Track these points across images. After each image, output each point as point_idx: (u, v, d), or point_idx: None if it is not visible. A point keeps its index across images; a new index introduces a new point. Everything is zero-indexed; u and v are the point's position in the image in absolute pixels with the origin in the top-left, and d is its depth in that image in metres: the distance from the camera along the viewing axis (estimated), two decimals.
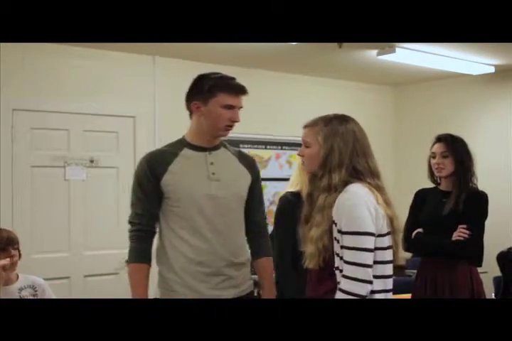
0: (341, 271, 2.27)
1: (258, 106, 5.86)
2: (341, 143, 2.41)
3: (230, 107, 2.73)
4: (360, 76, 6.52)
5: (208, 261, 2.69)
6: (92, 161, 5.07)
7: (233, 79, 2.79)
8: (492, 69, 6.04)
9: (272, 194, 5.89)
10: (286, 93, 6.17)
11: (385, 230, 2.34)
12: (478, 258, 3.55)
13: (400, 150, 7.10)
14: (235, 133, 5.68)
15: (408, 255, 5.62)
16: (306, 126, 2.51)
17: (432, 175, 3.69)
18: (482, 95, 6.50)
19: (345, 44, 5.02)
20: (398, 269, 5.95)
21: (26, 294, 3.42)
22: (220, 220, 2.73)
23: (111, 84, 5.19)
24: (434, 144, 3.66)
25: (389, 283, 2.38)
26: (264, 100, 5.93)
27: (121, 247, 5.14)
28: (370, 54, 5.44)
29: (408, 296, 3.88)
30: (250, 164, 2.92)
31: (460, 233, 3.45)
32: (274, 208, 5.82)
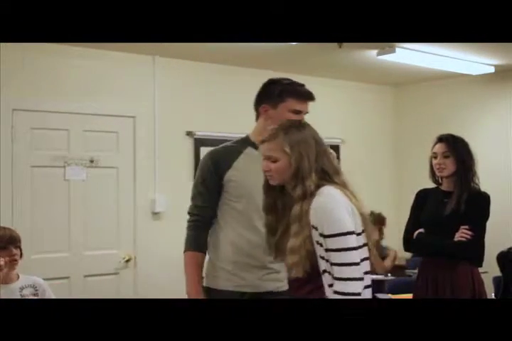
0: (330, 273, 2.29)
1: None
2: (307, 149, 2.40)
3: (298, 112, 2.84)
4: (360, 76, 6.52)
5: (257, 255, 2.80)
6: (92, 161, 5.07)
7: (302, 85, 2.91)
8: (492, 69, 6.04)
9: None
10: None
11: (360, 228, 2.37)
12: (479, 259, 3.55)
13: (400, 150, 7.09)
14: (233, 134, 5.71)
15: (408, 255, 5.63)
16: (264, 141, 2.48)
17: (433, 175, 3.69)
18: (482, 95, 6.50)
19: (345, 44, 5.02)
20: (398, 269, 5.97)
21: (27, 293, 3.43)
22: None
23: (111, 84, 5.20)
24: (435, 144, 3.65)
25: (369, 279, 2.39)
26: None
27: (121, 247, 5.19)
28: (370, 54, 5.44)
29: (409, 296, 3.88)
30: None
31: (462, 234, 3.45)
32: None
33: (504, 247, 4.91)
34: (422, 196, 3.72)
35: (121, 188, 5.19)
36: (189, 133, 5.55)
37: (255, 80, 6.22)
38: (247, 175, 2.84)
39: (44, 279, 3.60)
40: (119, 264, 5.12)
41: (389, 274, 5.37)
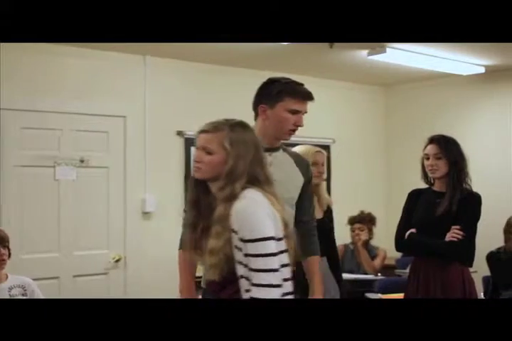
0: (247, 278, 2.24)
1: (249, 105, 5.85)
2: (246, 151, 2.35)
3: (296, 112, 2.83)
4: (351, 76, 6.52)
5: None
6: (82, 161, 5.05)
7: (301, 85, 2.89)
8: (482, 70, 6.06)
9: None
10: None
11: (281, 234, 2.32)
12: (470, 259, 3.56)
13: (391, 150, 7.10)
14: None
15: (397, 255, 5.64)
16: (206, 131, 2.40)
17: (425, 175, 3.70)
18: (472, 95, 6.52)
19: (336, 44, 5.02)
20: (388, 269, 5.97)
21: (16, 293, 3.41)
22: None
23: (101, 84, 5.18)
24: (426, 145, 3.66)
25: (291, 286, 2.32)
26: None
27: (111, 247, 5.17)
28: (361, 54, 5.45)
29: (399, 296, 3.89)
30: (305, 167, 3.02)
31: (453, 234, 3.46)
32: None
33: (493, 247, 4.93)
34: (414, 196, 3.72)
35: (111, 188, 5.18)
36: (179, 133, 5.55)
37: (246, 80, 6.23)
38: None
39: (33, 279, 3.59)
40: (108, 264, 5.11)
41: (379, 274, 5.38)
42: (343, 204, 5.56)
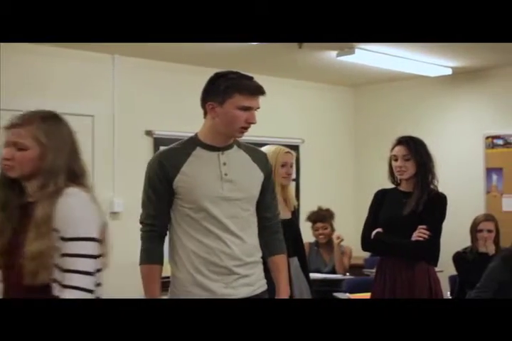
0: (59, 281, 2.09)
1: None
2: (63, 144, 2.19)
3: (247, 109, 2.65)
4: (320, 76, 6.55)
5: (220, 261, 2.68)
6: None
7: (251, 78, 2.70)
8: (449, 71, 6.13)
9: None
10: None
11: (100, 237, 2.21)
12: (435, 258, 3.60)
13: (359, 150, 7.15)
14: (187, 133, 5.70)
15: (365, 254, 5.68)
16: (16, 125, 2.18)
17: (392, 176, 3.72)
18: (439, 96, 6.59)
19: (305, 45, 5.04)
20: (356, 269, 5.99)
21: None
22: (233, 221, 2.71)
23: (69, 83, 5.14)
24: (394, 147, 3.68)
25: (99, 293, 2.23)
26: None
27: None
28: (330, 55, 5.47)
29: (367, 295, 3.91)
30: (262, 160, 2.86)
31: (420, 233, 3.49)
32: None
33: (460, 247, 4.99)
34: (381, 196, 3.75)
35: None
36: (148, 133, 5.52)
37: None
38: (197, 179, 2.67)
39: None
40: None
41: (347, 273, 5.40)
42: (311, 204, 5.58)
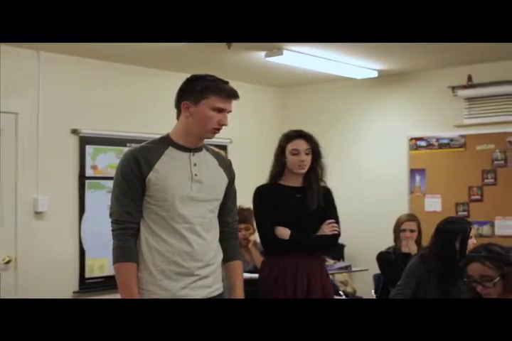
0: None
1: (149, 105, 5.82)
2: None
3: (220, 110, 2.75)
4: (249, 77, 6.58)
5: (182, 261, 2.70)
6: None
7: (227, 83, 2.82)
8: (375, 74, 6.25)
9: None
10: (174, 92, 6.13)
11: None
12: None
13: None
14: (121, 132, 5.64)
15: None
16: None
17: (279, 170, 3.71)
18: (365, 98, 6.72)
19: (234, 45, 5.05)
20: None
21: None
22: (199, 221, 2.76)
23: None
24: (292, 140, 3.68)
25: None
26: (157, 99, 5.89)
27: (1, 248, 4.99)
28: (259, 55, 5.50)
29: None
30: (227, 166, 2.96)
31: (332, 227, 3.60)
32: None
33: (384, 247, 5.09)
34: (266, 193, 3.70)
35: (2, 187, 5.01)
36: (74, 131, 5.43)
37: (141, 78, 6.18)
38: (169, 178, 2.71)
39: None
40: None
41: None
42: (238, 203, 5.58)
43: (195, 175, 2.77)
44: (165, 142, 2.81)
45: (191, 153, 2.80)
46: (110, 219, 2.75)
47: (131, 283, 2.68)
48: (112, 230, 2.75)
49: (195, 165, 2.79)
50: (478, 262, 2.96)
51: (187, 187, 2.74)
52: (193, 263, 2.72)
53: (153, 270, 2.70)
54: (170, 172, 2.73)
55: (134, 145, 2.90)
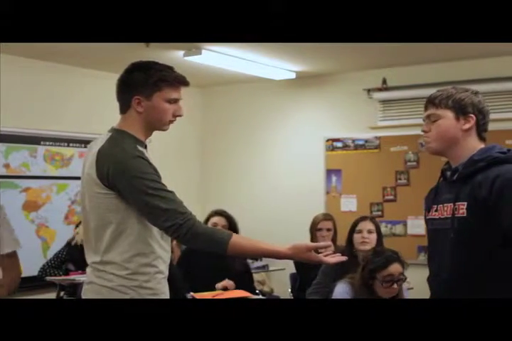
0: None
1: (65, 102, 5.71)
2: None
3: (174, 101, 2.61)
4: None
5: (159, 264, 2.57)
6: None
7: (172, 68, 2.67)
8: (293, 75, 6.32)
9: (74, 193, 5.76)
10: (93, 90, 6.05)
11: None
12: None
13: (207, 150, 7.17)
14: (35, 130, 5.52)
15: None
16: None
17: None
18: (283, 99, 6.78)
19: (152, 44, 5.02)
20: None
21: None
22: None
23: None
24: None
25: None
26: (73, 97, 5.79)
27: None
28: (178, 55, 5.49)
29: (210, 294, 3.94)
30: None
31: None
32: (75, 207, 5.73)
33: None
34: None
35: None
36: None
37: (56, 76, 6.04)
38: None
39: None
40: None
41: None
42: None
43: None
44: (131, 138, 2.58)
45: (146, 150, 2.63)
46: (175, 218, 2.43)
47: (256, 242, 2.46)
48: (183, 223, 2.43)
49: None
50: (397, 262, 3.09)
51: None
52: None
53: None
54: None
55: (106, 146, 2.58)
